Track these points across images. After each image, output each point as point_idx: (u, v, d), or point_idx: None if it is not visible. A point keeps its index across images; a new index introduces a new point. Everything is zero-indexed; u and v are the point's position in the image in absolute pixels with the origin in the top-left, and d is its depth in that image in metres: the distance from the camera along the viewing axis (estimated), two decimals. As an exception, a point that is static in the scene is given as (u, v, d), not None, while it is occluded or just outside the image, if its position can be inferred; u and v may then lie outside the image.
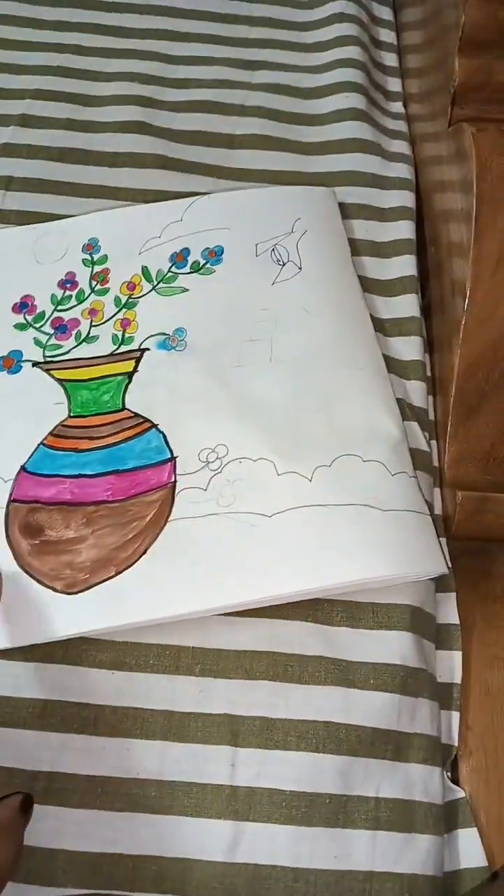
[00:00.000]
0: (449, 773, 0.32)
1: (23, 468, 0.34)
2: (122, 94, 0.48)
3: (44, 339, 0.38)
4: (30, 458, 0.35)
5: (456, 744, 0.33)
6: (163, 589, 0.32)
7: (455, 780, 0.32)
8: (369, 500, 0.33)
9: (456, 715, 0.33)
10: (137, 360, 0.37)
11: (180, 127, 0.47)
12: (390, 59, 0.53)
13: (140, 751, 0.30)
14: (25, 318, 0.38)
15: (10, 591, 0.32)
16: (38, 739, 0.30)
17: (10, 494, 0.34)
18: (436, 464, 0.37)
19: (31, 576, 0.32)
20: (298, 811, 0.29)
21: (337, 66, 0.50)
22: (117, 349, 0.38)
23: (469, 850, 0.31)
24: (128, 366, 0.37)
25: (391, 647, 0.32)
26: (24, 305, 0.39)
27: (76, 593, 0.32)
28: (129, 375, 0.37)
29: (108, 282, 0.40)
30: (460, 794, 0.32)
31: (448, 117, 0.41)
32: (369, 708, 0.31)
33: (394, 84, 0.52)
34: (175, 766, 0.30)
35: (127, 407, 0.36)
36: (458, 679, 0.34)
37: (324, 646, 0.32)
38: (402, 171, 0.46)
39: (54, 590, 0.32)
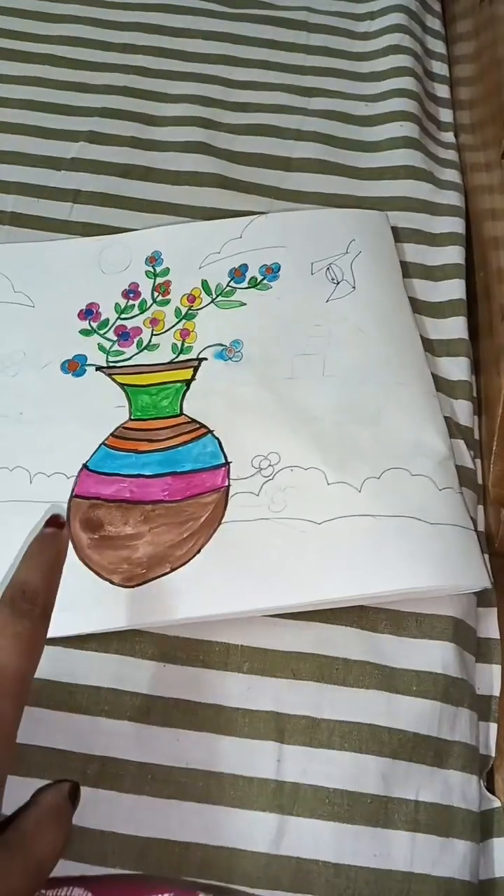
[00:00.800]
0: (485, 783, 0.33)
1: (85, 466, 0.36)
2: (185, 115, 0.50)
3: (107, 345, 0.40)
4: (92, 456, 0.36)
5: (493, 754, 0.33)
6: (215, 588, 0.33)
7: (490, 790, 0.33)
8: (416, 513, 0.34)
9: (493, 727, 0.34)
10: (195, 369, 0.39)
11: (239, 149, 0.49)
12: (442, 91, 0.55)
13: (189, 741, 0.31)
14: (90, 325, 0.40)
15: (69, 582, 0.33)
16: (93, 725, 0.31)
17: (73, 490, 0.35)
18: (480, 482, 0.38)
19: (89, 568, 0.33)
20: (341, 809, 0.30)
21: (392, 96, 0.51)
22: (176, 357, 0.39)
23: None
24: (186, 374, 0.39)
25: (434, 656, 0.33)
26: (89, 312, 0.41)
27: (133, 587, 0.33)
28: (188, 383, 0.38)
29: (169, 293, 0.41)
30: (496, 803, 0.32)
31: (501, 149, 0.42)
32: (411, 713, 0.32)
33: (445, 115, 0.53)
34: (223, 759, 0.31)
35: (184, 413, 0.38)
36: (496, 692, 0.35)
37: (368, 651, 0.33)
38: (453, 198, 0.47)
39: (111, 582, 0.33)
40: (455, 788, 0.31)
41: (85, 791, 0.29)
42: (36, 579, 0.27)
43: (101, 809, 0.30)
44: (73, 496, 0.35)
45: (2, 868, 0.22)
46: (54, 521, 0.29)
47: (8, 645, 0.25)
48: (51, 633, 0.31)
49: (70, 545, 0.34)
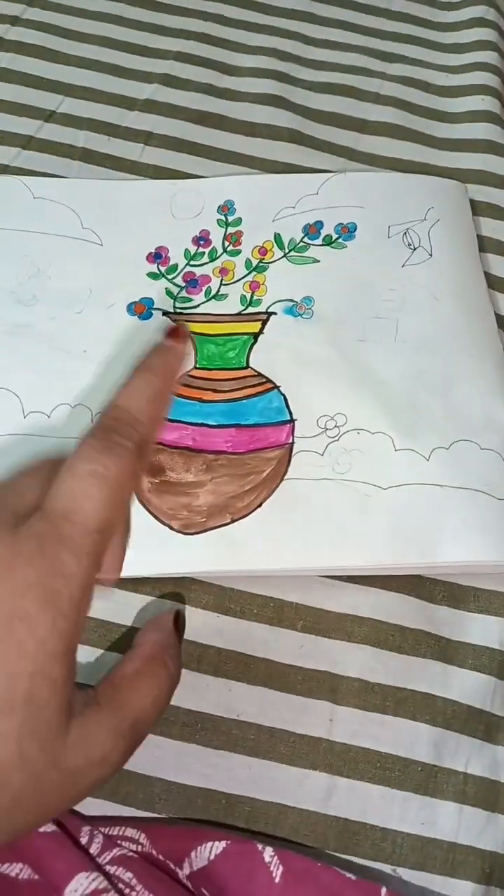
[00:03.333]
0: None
1: (148, 409, 0.35)
2: (262, 67, 0.49)
3: (175, 290, 0.39)
4: (155, 400, 0.35)
5: (541, 736, 0.33)
6: (275, 542, 0.32)
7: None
8: (484, 487, 0.34)
9: (543, 708, 0.33)
10: (264, 323, 0.38)
11: (316, 106, 0.48)
12: (522, 69, 0.54)
13: (241, 693, 0.31)
14: (159, 269, 0.39)
15: (127, 524, 0.32)
16: (145, 669, 0.30)
17: (135, 432, 0.34)
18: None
19: (149, 512, 0.33)
20: (392, 773, 0.30)
21: (474, 69, 0.50)
22: (245, 309, 0.38)
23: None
24: (254, 326, 0.38)
25: (490, 631, 0.33)
26: (158, 256, 0.40)
27: (191, 534, 0.32)
28: (255, 336, 0.38)
29: (240, 244, 0.40)
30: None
31: None
32: (465, 686, 0.31)
33: (524, 93, 0.52)
34: (275, 714, 0.30)
35: (251, 366, 0.37)
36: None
37: (424, 621, 0.33)
38: (531, 178, 0.46)
39: (170, 528, 0.33)
40: (503, 764, 0.31)
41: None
42: (134, 404, 0.23)
43: (150, 754, 0.29)
44: (136, 438, 0.34)
45: (85, 732, 0.21)
46: (175, 332, 0.24)
47: (82, 488, 0.21)
48: (105, 573, 0.31)
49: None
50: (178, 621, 0.27)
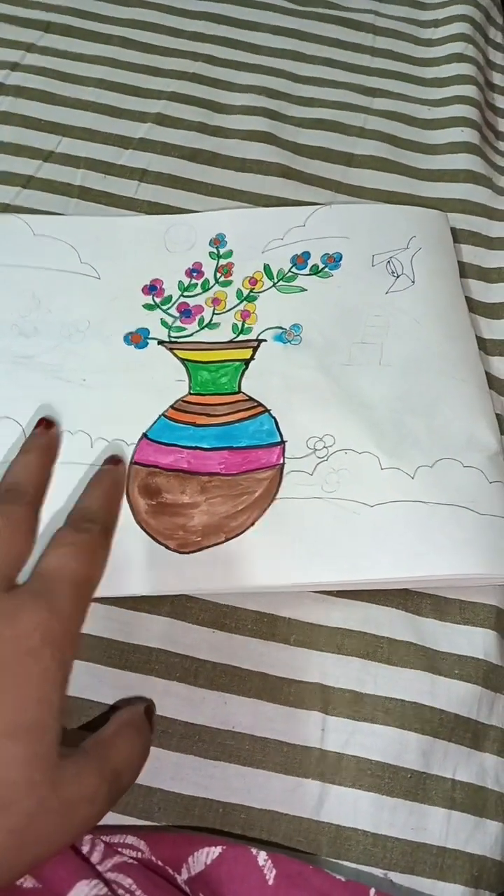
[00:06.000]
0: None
1: (145, 435, 0.37)
2: (251, 105, 0.51)
3: (169, 320, 0.40)
4: (151, 426, 0.37)
5: (527, 743, 0.34)
6: (267, 560, 0.34)
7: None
8: (467, 503, 0.35)
9: (530, 716, 0.35)
10: (255, 349, 0.40)
11: (304, 141, 0.50)
12: (501, 101, 0.56)
13: (236, 706, 0.32)
14: (154, 300, 0.41)
15: (125, 544, 0.34)
16: (144, 683, 0.32)
17: (133, 457, 0.36)
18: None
19: (146, 532, 0.34)
20: (382, 781, 0.31)
21: (454, 102, 0.52)
22: (236, 337, 0.40)
23: (534, 844, 0.32)
24: (245, 353, 0.40)
25: (476, 642, 0.34)
26: (153, 288, 0.41)
27: (187, 553, 0.34)
28: (246, 362, 0.39)
29: (231, 275, 0.42)
30: (530, 790, 0.33)
31: None
32: (453, 695, 0.33)
33: (503, 125, 0.54)
34: (268, 725, 0.32)
35: (242, 391, 0.38)
36: (533, 684, 0.35)
37: (412, 633, 0.34)
38: (510, 205, 0.48)
39: (167, 548, 0.34)
40: (489, 771, 0.32)
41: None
42: (94, 504, 0.32)
43: (149, 765, 0.30)
44: (133, 462, 0.36)
45: (77, 770, 0.24)
46: (111, 460, 0.35)
47: (65, 552, 0.28)
48: (107, 593, 0.32)
49: (129, 509, 0.35)
50: (149, 712, 0.30)
